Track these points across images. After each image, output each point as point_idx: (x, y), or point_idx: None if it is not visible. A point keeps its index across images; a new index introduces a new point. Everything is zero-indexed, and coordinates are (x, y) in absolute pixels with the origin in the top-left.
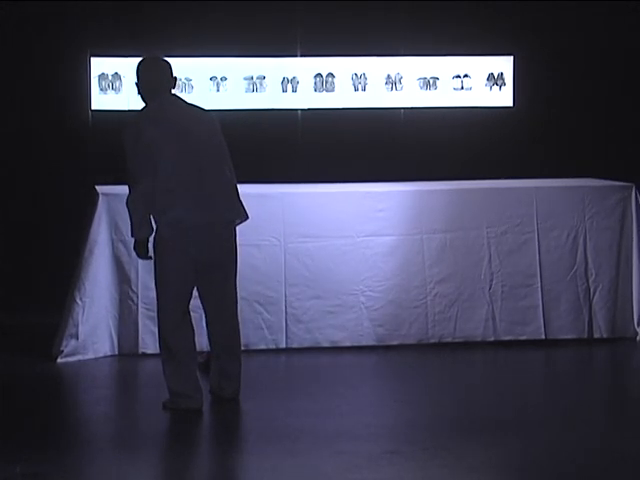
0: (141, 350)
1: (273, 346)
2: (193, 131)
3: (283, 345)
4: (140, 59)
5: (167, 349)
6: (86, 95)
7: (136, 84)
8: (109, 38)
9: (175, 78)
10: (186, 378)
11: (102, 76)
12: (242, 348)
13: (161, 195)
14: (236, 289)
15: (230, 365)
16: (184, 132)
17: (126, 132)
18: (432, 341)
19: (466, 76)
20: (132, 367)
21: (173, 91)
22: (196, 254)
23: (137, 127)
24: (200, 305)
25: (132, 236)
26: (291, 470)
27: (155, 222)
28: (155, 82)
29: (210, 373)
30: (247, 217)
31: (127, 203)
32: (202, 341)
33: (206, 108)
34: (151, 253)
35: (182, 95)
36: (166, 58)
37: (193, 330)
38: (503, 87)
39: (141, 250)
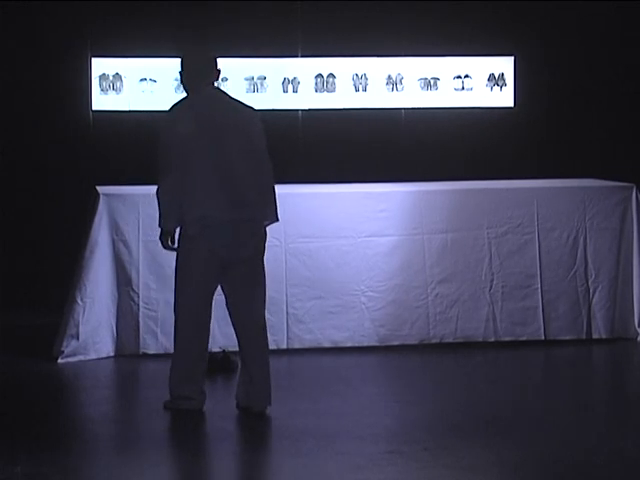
0: (142, 350)
1: (274, 347)
2: (230, 127)
3: (284, 346)
4: (185, 49)
5: (180, 348)
6: (87, 96)
7: (180, 73)
8: (109, 38)
9: (219, 70)
10: (192, 380)
11: (103, 77)
12: None
13: (190, 191)
14: (264, 293)
15: (257, 371)
16: (220, 127)
17: (163, 121)
18: (433, 341)
19: (467, 76)
20: (133, 367)
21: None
22: (222, 252)
23: (174, 118)
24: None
25: (159, 226)
26: (292, 470)
27: (183, 217)
28: (197, 74)
29: (237, 385)
30: (277, 219)
31: (157, 193)
32: None
33: None
34: (175, 245)
35: (183, 95)
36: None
37: (209, 333)
38: (504, 87)
39: (165, 241)
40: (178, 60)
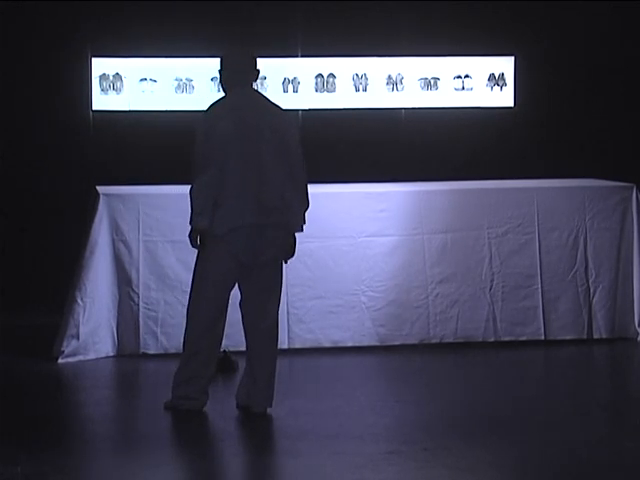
0: (142, 351)
1: None
2: (266, 130)
3: (285, 345)
4: (226, 48)
5: (189, 348)
6: (87, 96)
7: (219, 72)
8: (109, 38)
9: (258, 71)
10: (196, 381)
11: (103, 77)
12: (242, 348)
13: (221, 191)
14: (280, 297)
15: (262, 374)
16: (256, 129)
17: (201, 118)
18: (433, 341)
19: (467, 76)
20: (133, 368)
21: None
22: (242, 256)
23: (213, 116)
24: None
25: (190, 224)
26: (292, 470)
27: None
28: (238, 74)
29: (239, 385)
30: (301, 228)
31: (190, 191)
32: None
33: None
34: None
35: (183, 95)
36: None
37: (222, 335)
38: (504, 87)
39: (195, 239)
40: (179, 60)
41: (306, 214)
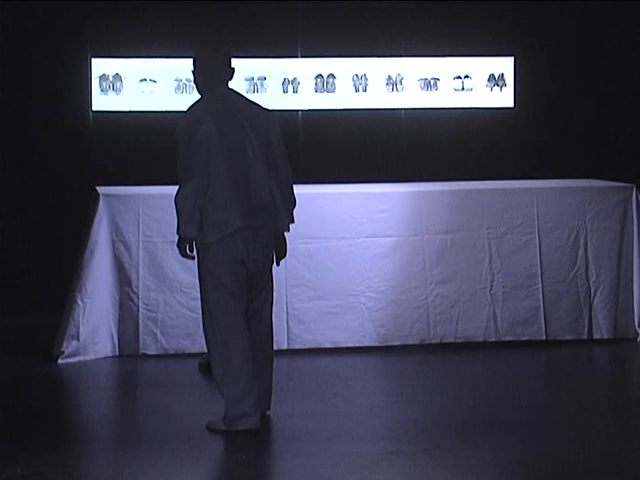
0: (142, 351)
1: (275, 347)
2: (248, 129)
3: (284, 346)
4: (199, 48)
5: (224, 360)
6: (87, 96)
7: (192, 72)
8: (109, 38)
9: (233, 69)
10: (249, 393)
11: (103, 77)
12: None
13: (208, 196)
14: (273, 299)
15: (260, 376)
16: (238, 129)
17: (180, 126)
18: (434, 342)
19: (467, 77)
20: (133, 368)
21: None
22: (241, 259)
23: (192, 121)
24: (200, 306)
25: (177, 233)
26: (291, 470)
27: (201, 223)
28: (211, 74)
29: None
30: (287, 227)
31: (176, 198)
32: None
33: None
34: (194, 253)
35: (183, 96)
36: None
37: (251, 339)
38: (504, 88)
39: (184, 248)
40: (179, 60)
41: (294, 212)
